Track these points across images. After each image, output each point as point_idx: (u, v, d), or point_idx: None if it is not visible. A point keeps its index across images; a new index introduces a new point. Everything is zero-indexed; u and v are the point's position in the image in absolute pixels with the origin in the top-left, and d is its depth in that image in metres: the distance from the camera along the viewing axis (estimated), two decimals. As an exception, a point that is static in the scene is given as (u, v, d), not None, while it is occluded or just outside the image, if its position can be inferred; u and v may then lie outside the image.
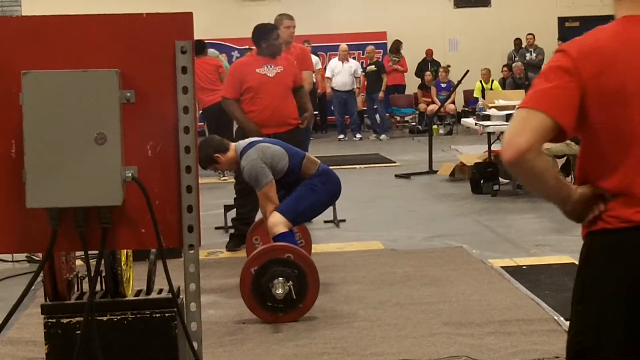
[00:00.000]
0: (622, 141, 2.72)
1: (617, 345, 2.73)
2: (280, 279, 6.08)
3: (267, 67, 8.60)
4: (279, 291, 6.05)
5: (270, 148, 6.77)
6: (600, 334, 2.75)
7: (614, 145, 2.74)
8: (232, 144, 6.92)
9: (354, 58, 20.69)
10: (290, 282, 6.08)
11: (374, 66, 20.50)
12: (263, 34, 8.69)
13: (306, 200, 6.70)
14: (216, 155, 6.81)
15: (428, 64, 22.19)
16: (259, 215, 7.70)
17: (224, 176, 12.96)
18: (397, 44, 21.78)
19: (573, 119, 2.72)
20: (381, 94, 20.39)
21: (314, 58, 15.45)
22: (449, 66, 21.59)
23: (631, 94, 2.70)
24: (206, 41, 14.86)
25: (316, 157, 7.13)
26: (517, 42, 22.35)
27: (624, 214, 2.72)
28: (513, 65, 20.23)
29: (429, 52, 22.36)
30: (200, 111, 14.26)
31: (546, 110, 2.68)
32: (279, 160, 6.72)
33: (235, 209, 8.91)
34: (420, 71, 22.00)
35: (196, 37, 3.44)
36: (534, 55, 21.73)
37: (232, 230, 8.86)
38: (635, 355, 2.74)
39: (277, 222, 6.54)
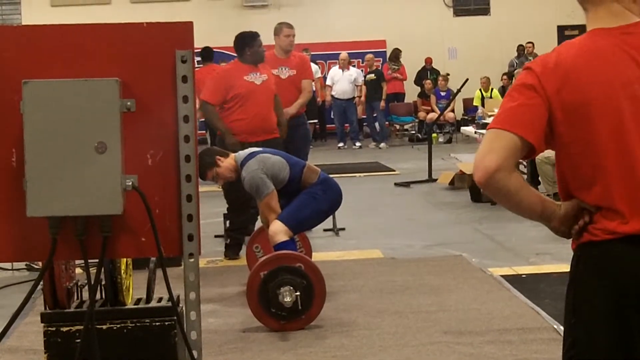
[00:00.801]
0: (593, 155, 2.71)
1: (609, 358, 2.74)
2: (288, 287, 6.08)
3: (253, 75, 8.62)
4: (287, 299, 6.05)
5: (270, 159, 6.78)
6: (592, 347, 2.75)
7: (586, 159, 2.72)
8: (232, 154, 6.94)
9: (353, 66, 20.70)
10: (298, 292, 6.09)
11: (373, 74, 20.52)
12: (247, 41, 8.70)
13: (307, 209, 6.70)
14: (217, 157, 6.82)
15: (427, 72, 22.22)
16: (257, 224, 7.71)
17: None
18: (396, 52, 21.82)
19: (540, 135, 2.71)
20: (382, 103, 20.41)
21: (314, 66, 15.48)
22: (448, 74, 21.61)
23: (595, 107, 2.69)
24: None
25: (315, 165, 7.14)
26: (520, 48, 22.36)
27: (609, 226, 2.71)
28: (515, 72, 20.24)
29: (428, 61, 22.40)
30: (203, 119, 14.26)
31: (512, 129, 2.68)
32: (280, 171, 6.73)
33: (229, 220, 8.85)
34: (419, 79, 22.03)
35: (196, 45, 3.45)
36: (533, 64, 21.76)
37: (227, 241, 8.80)
38: None
39: (278, 231, 6.54)
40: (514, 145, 2.67)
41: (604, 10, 2.79)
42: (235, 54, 8.95)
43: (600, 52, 2.74)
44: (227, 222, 8.96)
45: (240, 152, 6.98)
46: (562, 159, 2.80)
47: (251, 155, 6.81)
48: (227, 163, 6.86)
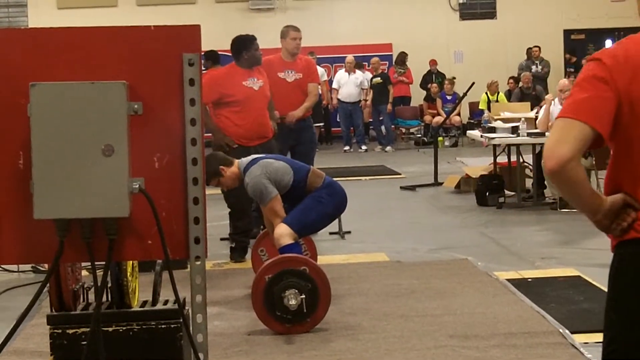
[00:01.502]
0: None
1: None
2: (293, 290, 6.09)
3: (251, 80, 8.62)
4: (292, 302, 6.06)
5: (273, 164, 6.78)
6: (632, 343, 2.77)
7: None
8: (236, 161, 6.94)
9: (359, 69, 20.70)
10: (303, 295, 6.09)
11: (379, 78, 20.52)
12: (244, 44, 8.68)
13: (312, 213, 6.70)
14: (221, 167, 6.83)
15: (433, 76, 22.19)
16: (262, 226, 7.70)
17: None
18: (402, 56, 21.82)
19: (610, 127, 2.76)
20: (389, 107, 20.41)
21: (319, 70, 15.49)
22: (454, 78, 21.60)
23: None
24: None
25: (321, 168, 7.15)
26: (529, 51, 22.31)
27: None
28: (522, 75, 20.22)
29: (433, 63, 22.34)
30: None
31: (585, 120, 2.72)
32: (283, 176, 6.73)
33: (230, 225, 8.83)
34: (425, 83, 22.00)
35: (202, 48, 3.45)
36: (539, 67, 21.73)
37: (233, 245, 8.79)
38: None
39: (284, 234, 6.54)
40: (585, 135, 2.72)
41: None
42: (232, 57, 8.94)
43: None
44: (233, 225, 8.96)
45: (243, 159, 6.98)
46: (619, 153, 2.83)
47: (254, 162, 6.81)
48: (230, 172, 6.86)
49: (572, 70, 21.85)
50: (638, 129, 2.76)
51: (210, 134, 13.91)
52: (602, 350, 2.90)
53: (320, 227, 7.06)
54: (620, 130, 2.78)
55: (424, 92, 21.90)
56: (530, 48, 22.33)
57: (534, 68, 21.57)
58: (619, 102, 2.75)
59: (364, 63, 21.35)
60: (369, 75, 20.73)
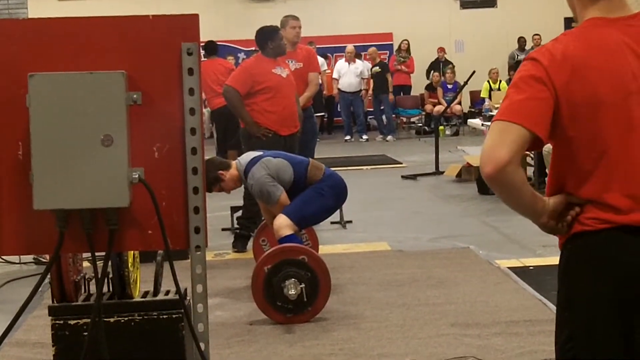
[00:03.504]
0: (594, 148, 2.70)
1: (611, 350, 2.73)
2: (293, 280, 6.09)
3: (279, 68, 8.68)
4: (292, 292, 6.06)
5: (272, 161, 6.76)
6: (591, 339, 2.73)
7: (586, 152, 2.71)
8: (233, 162, 6.93)
9: (359, 59, 20.68)
10: (302, 285, 6.09)
11: (378, 67, 20.50)
12: (269, 34, 8.76)
13: (313, 205, 6.69)
14: (220, 172, 6.80)
15: (440, 65, 22.09)
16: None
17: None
18: (405, 44, 21.73)
19: (548, 128, 2.70)
20: (390, 96, 20.39)
21: (320, 59, 15.47)
22: (453, 66, 21.56)
23: (601, 101, 2.68)
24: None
25: (322, 158, 7.14)
26: (522, 40, 22.29)
27: (602, 215, 2.71)
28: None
29: (440, 50, 22.26)
30: (207, 108, 14.25)
31: (522, 122, 2.66)
32: (284, 172, 6.72)
33: (243, 207, 8.87)
34: (433, 71, 21.85)
35: (202, 38, 3.45)
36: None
37: (237, 231, 8.81)
38: (628, 357, 2.73)
39: (283, 225, 6.54)
40: (522, 138, 2.66)
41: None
42: (258, 48, 9.02)
43: (605, 45, 2.73)
44: (240, 210, 8.97)
45: (240, 159, 6.94)
46: (561, 153, 2.79)
47: (253, 162, 6.78)
48: (230, 175, 6.84)
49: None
50: (578, 129, 2.70)
51: (210, 125, 13.80)
52: (559, 348, 2.84)
53: (321, 219, 7.05)
54: (559, 130, 2.72)
55: (425, 82, 21.86)
56: (522, 37, 22.26)
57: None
58: (556, 102, 2.69)
59: (364, 53, 21.31)
60: (368, 64, 20.70)
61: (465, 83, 15.79)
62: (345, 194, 6.96)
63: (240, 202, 8.89)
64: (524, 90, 2.71)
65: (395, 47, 22.34)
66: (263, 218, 8.30)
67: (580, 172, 2.74)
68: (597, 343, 2.73)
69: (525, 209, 2.82)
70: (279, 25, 9.61)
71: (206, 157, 3.59)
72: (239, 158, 7.02)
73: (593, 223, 2.73)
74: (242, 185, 7.05)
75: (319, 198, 6.72)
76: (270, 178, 6.65)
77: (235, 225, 9.07)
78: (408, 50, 21.69)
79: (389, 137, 20.13)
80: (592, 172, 2.72)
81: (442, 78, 21.44)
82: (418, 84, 22.03)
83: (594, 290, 2.72)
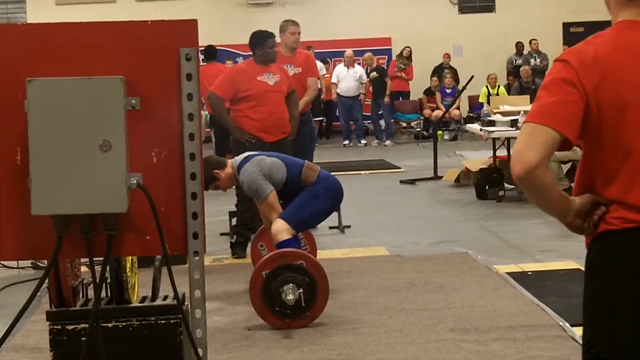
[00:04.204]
0: (620, 149, 2.75)
1: (633, 349, 2.74)
2: (291, 285, 6.09)
3: (267, 75, 8.63)
4: (290, 297, 6.05)
5: (265, 160, 6.77)
6: (615, 338, 2.76)
7: (612, 153, 2.76)
8: (229, 161, 6.94)
9: (358, 64, 20.69)
10: (301, 290, 6.09)
11: (375, 72, 20.50)
12: (258, 41, 8.72)
13: (309, 207, 6.69)
14: (215, 172, 6.81)
15: (444, 70, 22.05)
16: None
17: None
18: (407, 50, 21.69)
19: (577, 130, 2.76)
20: (386, 99, 20.38)
21: (319, 64, 15.47)
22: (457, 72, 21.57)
23: (628, 103, 2.73)
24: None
25: (321, 162, 7.14)
26: (519, 45, 22.30)
27: (628, 215, 2.75)
28: (521, 69, 20.17)
29: (447, 56, 22.24)
30: (207, 113, 14.24)
31: (553, 125, 2.72)
32: (277, 172, 6.72)
33: (237, 215, 8.87)
34: (437, 76, 21.76)
35: (201, 43, 3.45)
36: (538, 60, 21.71)
37: (234, 238, 8.79)
38: None
39: (280, 229, 6.53)
40: (552, 141, 2.72)
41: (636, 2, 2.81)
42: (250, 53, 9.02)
43: (635, 48, 2.78)
44: (234, 219, 8.97)
45: (236, 158, 6.97)
46: (590, 154, 2.83)
47: (247, 159, 6.80)
48: (225, 174, 6.85)
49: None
50: (605, 130, 2.75)
51: (209, 130, 13.86)
52: (582, 346, 2.88)
53: (318, 221, 7.06)
54: (589, 131, 2.77)
55: (424, 86, 21.85)
56: (519, 42, 22.27)
57: (532, 61, 21.53)
58: (586, 104, 2.73)
59: (359, 58, 21.32)
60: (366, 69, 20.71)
61: (464, 88, 15.81)
62: (341, 195, 6.96)
63: (239, 207, 8.90)
64: (554, 92, 2.75)
65: (394, 52, 22.33)
66: (260, 222, 8.33)
67: (606, 172, 2.79)
68: (619, 342, 2.75)
69: (553, 208, 2.86)
70: (277, 30, 9.63)
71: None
72: (235, 157, 7.03)
73: (618, 222, 2.77)
74: (238, 186, 7.04)
75: (315, 200, 6.72)
76: (260, 175, 6.65)
77: (231, 231, 9.06)
78: (410, 57, 21.66)
79: (387, 142, 20.13)
80: (617, 172, 2.77)
81: (436, 82, 21.36)
82: (417, 89, 22.01)
83: (616, 288, 2.76)
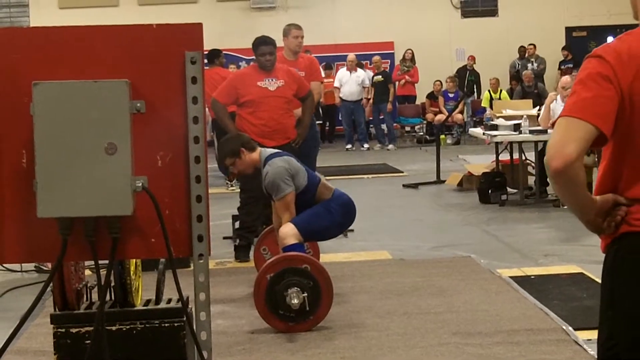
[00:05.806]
0: None
1: None
2: (295, 288, 6.09)
3: (268, 80, 8.60)
4: (294, 301, 6.05)
5: (294, 162, 6.77)
6: (633, 338, 2.76)
7: (638, 152, 2.77)
8: (259, 148, 6.94)
9: (361, 68, 20.69)
10: (305, 294, 6.09)
11: (380, 76, 20.51)
12: (253, 47, 8.73)
13: (322, 220, 6.68)
14: (242, 149, 6.79)
15: (467, 72, 21.99)
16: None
17: (231, 186, 12.97)
18: (409, 53, 21.70)
19: (613, 126, 2.76)
20: (389, 106, 20.38)
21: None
22: (456, 76, 21.57)
23: None
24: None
25: (324, 167, 7.14)
26: (522, 49, 22.30)
27: None
28: (523, 73, 20.20)
29: (471, 59, 22.16)
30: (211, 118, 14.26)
31: (591, 119, 2.71)
32: (301, 177, 6.72)
33: (239, 219, 8.86)
34: (460, 79, 21.65)
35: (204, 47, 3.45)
36: (535, 65, 21.71)
37: (237, 242, 8.78)
38: None
39: (289, 234, 6.52)
40: (590, 135, 2.72)
41: None
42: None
43: None
44: (237, 222, 8.97)
45: (267, 149, 6.99)
46: (621, 148, 2.82)
47: (278, 154, 6.82)
48: (249, 157, 6.81)
49: (570, 66, 21.78)
50: (634, 127, 2.76)
51: (212, 133, 13.87)
52: (598, 346, 2.88)
53: (326, 236, 6.98)
54: (621, 126, 2.77)
55: (427, 90, 21.84)
56: (522, 46, 22.28)
57: (529, 66, 21.53)
58: (621, 101, 2.74)
59: (366, 62, 21.32)
60: (370, 73, 20.72)
61: (467, 92, 15.80)
62: (354, 214, 6.93)
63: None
64: (590, 87, 2.75)
65: (397, 56, 22.33)
66: (263, 226, 8.33)
67: (632, 172, 2.79)
68: (636, 345, 2.75)
69: (578, 205, 2.85)
70: (281, 34, 9.63)
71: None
72: (265, 148, 7.03)
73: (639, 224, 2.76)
74: (248, 178, 7.02)
75: (328, 214, 6.71)
76: (288, 173, 6.65)
77: (233, 235, 9.06)
78: (412, 59, 21.67)
79: (390, 146, 20.13)
80: None
81: (439, 87, 21.33)
82: (421, 93, 22.00)
83: (636, 289, 2.74)
